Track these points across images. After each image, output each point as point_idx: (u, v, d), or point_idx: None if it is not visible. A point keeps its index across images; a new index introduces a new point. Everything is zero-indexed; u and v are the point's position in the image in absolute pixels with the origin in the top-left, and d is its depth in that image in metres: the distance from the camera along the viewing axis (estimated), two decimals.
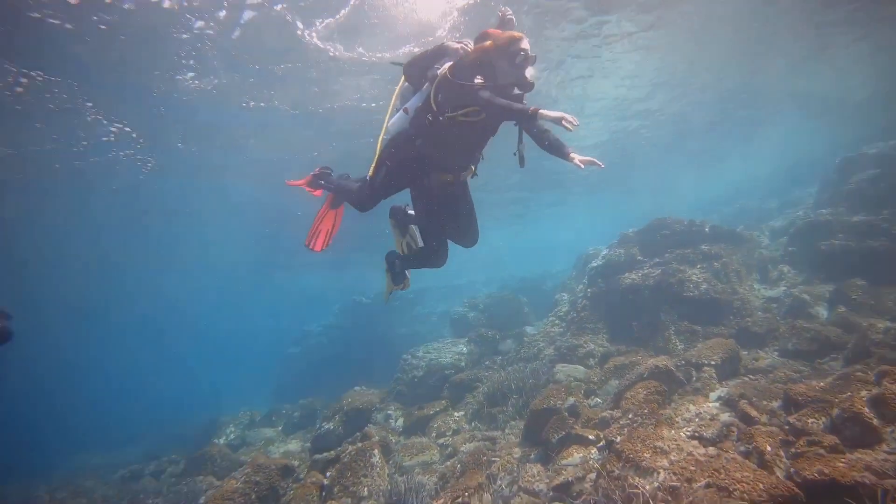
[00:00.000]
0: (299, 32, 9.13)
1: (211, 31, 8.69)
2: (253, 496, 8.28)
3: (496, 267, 33.85)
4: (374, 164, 4.47)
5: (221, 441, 13.42)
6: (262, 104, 11.50)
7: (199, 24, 8.44)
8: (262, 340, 42.43)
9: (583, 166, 3.88)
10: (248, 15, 8.41)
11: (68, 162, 12.85)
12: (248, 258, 26.29)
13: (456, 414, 10.21)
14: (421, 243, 5.04)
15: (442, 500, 6.35)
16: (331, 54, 9.91)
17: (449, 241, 4.95)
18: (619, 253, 12.18)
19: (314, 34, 9.28)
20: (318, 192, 5.53)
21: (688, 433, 5.70)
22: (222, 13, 8.26)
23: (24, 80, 9.09)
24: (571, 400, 7.99)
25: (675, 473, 4.55)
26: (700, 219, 12.37)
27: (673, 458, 4.92)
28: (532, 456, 7.55)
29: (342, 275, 30.68)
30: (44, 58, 8.66)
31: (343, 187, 5.15)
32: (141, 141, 12.26)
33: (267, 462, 8.73)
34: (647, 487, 4.39)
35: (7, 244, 17.61)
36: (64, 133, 11.42)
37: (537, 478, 6.73)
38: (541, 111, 3.50)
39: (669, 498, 4.10)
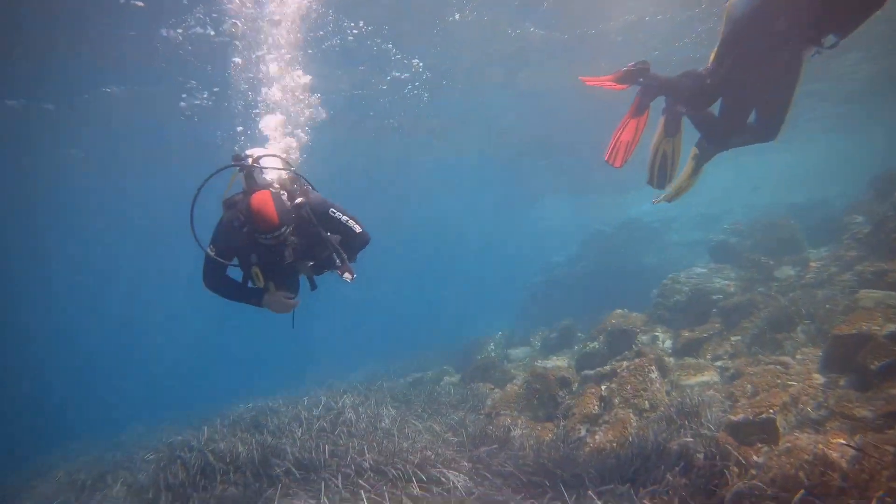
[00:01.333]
0: None
1: None
2: (534, 401, 8.99)
3: (751, 195, 30.30)
4: (714, 53, 4.13)
5: (482, 357, 14.67)
6: (519, 31, 11.79)
7: None
8: (506, 270, 44.89)
9: None
10: None
11: (374, 100, 14.92)
12: (496, 191, 27.38)
13: (732, 338, 9.66)
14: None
15: (741, 415, 6.14)
16: None
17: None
18: None
19: None
20: (624, 87, 4.93)
21: None
22: None
23: (355, 31, 10.77)
24: (892, 327, 6.98)
25: None
26: None
27: None
28: (841, 383, 6.85)
29: (584, 206, 30.42)
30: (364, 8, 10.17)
31: (670, 83, 4.75)
32: (426, 75, 13.55)
33: (545, 372, 9.35)
34: None
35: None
36: (375, 73, 13.32)
37: (855, 404, 6.09)
38: None
39: None
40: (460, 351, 16.71)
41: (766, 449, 5.66)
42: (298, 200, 4.13)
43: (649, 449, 5.11)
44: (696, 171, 5.27)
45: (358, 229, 4.42)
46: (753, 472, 4.80)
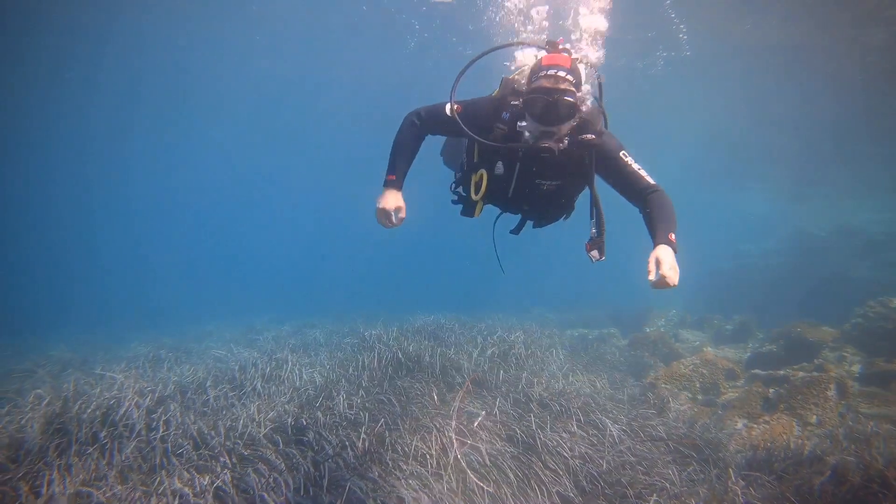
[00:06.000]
0: None
1: None
2: (697, 384, 9.34)
3: None
4: None
5: (651, 330, 14.89)
6: None
7: None
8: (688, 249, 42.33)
9: None
10: None
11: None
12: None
13: None
14: None
15: None
16: None
17: None
18: None
19: None
20: None
21: None
22: None
23: None
24: None
25: None
26: None
27: None
28: None
29: (794, 205, 27.45)
30: None
31: None
32: None
33: (715, 360, 9.57)
34: None
35: None
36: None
37: None
38: None
39: None
40: (630, 315, 17.04)
41: None
42: (588, 136, 3.25)
43: (804, 456, 5.40)
44: None
45: (650, 180, 3.35)
46: None
